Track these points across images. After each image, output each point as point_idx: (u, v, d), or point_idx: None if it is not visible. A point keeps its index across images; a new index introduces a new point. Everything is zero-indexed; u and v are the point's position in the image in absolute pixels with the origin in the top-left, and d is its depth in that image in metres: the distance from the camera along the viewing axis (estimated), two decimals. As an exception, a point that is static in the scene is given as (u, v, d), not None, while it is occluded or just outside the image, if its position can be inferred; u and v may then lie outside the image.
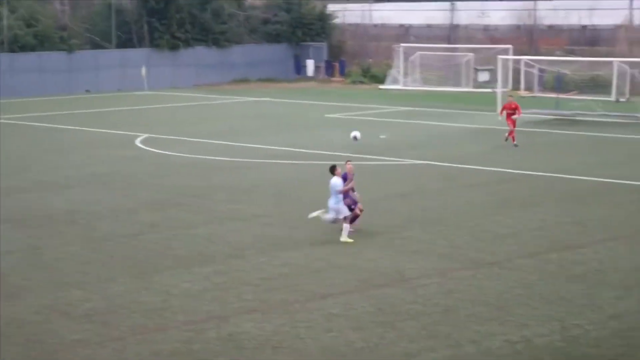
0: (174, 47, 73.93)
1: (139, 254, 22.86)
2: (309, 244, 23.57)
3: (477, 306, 18.48)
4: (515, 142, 39.92)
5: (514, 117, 40.32)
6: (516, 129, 40.47)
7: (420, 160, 36.78)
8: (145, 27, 73.62)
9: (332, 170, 24.33)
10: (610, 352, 15.98)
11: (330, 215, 24.16)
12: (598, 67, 58.76)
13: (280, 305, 18.67)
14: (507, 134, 40.34)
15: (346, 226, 24.02)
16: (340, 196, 24.15)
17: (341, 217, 24.12)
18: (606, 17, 77.64)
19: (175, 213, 27.48)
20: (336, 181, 24.21)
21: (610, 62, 55.18)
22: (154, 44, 73.43)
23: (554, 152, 39.05)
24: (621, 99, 54.09)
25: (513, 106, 40.77)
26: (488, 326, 17.28)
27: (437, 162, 36.26)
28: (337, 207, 24.18)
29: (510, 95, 44.28)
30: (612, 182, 31.82)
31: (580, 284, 19.91)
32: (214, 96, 66.84)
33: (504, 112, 41.12)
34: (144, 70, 70.71)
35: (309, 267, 21.48)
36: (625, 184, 31.45)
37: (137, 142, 42.68)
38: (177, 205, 28.57)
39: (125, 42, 74.40)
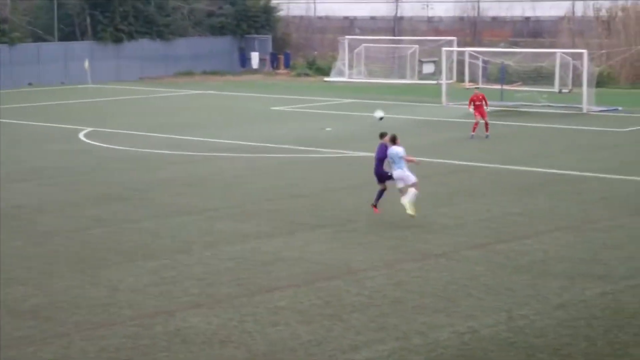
0: (117, 40, 73.39)
1: (84, 249, 22.65)
2: (256, 238, 23.51)
3: (425, 298, 18.53)
4: (487, 133, 40.24)
5: (485, 118, 40.40)
6: (460, 120, 40.64)
7: (366, 152, 36.80)
8: (88, 20, 72.99)
9: (393, 139, 25.00)
10: (555, 342, 16.10)
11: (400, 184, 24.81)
12: (541, 58, 59.26)
13: (227, 299, 18.60)
14: (473, 127, 40.41)
15: (414, 192, 24.29)
16: (404, 163, 24.75)
17: (410, 182, 24.55)
18: (549, 9, 78.35)
19: (120, 207, 27.27)
20: (397, 149, 24.88)
21: (554, 54, 55.66)
22: (97, 36, 72.84)
23: (499, 143, 39.30)
24: (564, 90, 54.56)
25: (480, 97, 40.96)
26: (435, 317, 17.33)
27: (383, 154, 36.28)
28: (403, 174, 24.69)
29: (477, 87, 44.60)
30: (556, 172, 32.09)
31: (526, 275, 20.04)
32: (158, 89, 66.45)
33: (472, 105, 41.15)
34: (87, 64, 70.11)
35: (255, 261, 21.41)
36: (568, 174, 31.72)
37: (81, 136, 42.30)
38: (122, 200, 28.35)
39: (68, 35, 73.72)
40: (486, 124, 40.34)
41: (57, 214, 26.47)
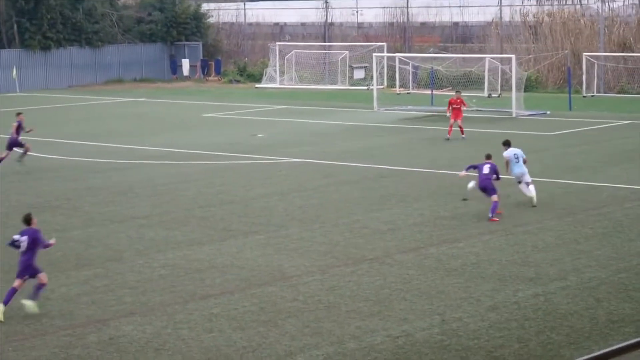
0: (45, 48, 72.61)
1: (13, 259, 22.33)
2: (188, 245, 23.41)
3: (358, 302, 18.59)
4: (463, 135, 41.07)
5: (460, 121, 41.16)
6: (391, 125, 40.84)
7: (298, 158, 36.87)
8: (15, 28, 72.12)
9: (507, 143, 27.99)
10: (488, 344, 16.25)
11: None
12: (470, 63, 59.90)
13: (161, 307, 18.49)
14: (449, 129, 41.23)
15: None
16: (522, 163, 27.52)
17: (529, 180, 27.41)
18: (477, 15, 79.07)
19: (50, 216, 26.97)
20: (515, 149, 27.78)
21: (482, 59, 56.23)
22: (25, 44, 72.00)
23: (429, 147, 39.57)
24: (493, 95, 55.24)
25: (458, 101, 41.78)
26: (369, 322, 17.40)
27: (315, 159, 36.40)
28: (523, 171, 27.47)
29: (458, 91, 45.15)
30: (486, 176, 32.34)
31: (458, 278, 20.20)
32: (88, 97, 65.87)
33: (450, 108, 41.74)
34: (14, 72, 69.27)
35: (188, 268, 21.32)
36: (499, 178, 32.00)
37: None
38: (52, 209, 28.05)
39: (-6, 43, 72.83)
40: (460, 127, 41.18)
41: (-14, 224, 26.10)
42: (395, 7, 78.37)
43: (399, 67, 59.84)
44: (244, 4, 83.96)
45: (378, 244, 23.27)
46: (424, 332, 16.85)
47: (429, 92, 56.54)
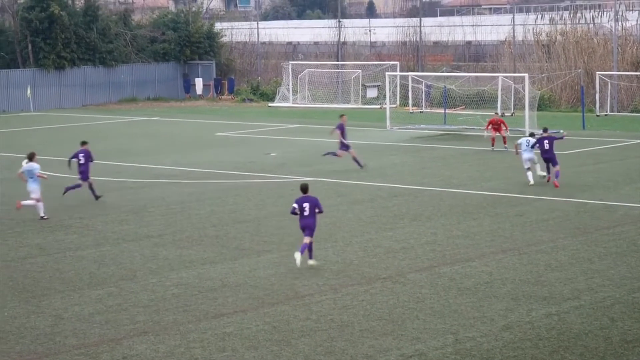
0: (59, 67, 72.88)
1: (27, 278, 22.41)
2: (201, 264, 23.42)
3: (371, 321, 18.56)
4: (506, 145, 43.14)
5: (502, 133, 43.18)
6: (404, 144, 40.75)
7: (311, 177, 36.87)
8: (30, 47, 72.45)
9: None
10: (502, 363, 16.19)
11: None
12: (483, 82, 59.88)
13: (174, 326, 18.50)
14: (492, 141, 43.72)
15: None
16: None
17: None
18: (490, 34, 79.21)
19: (63, 235, 27.04)
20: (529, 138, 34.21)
21: (495, 78, 56.22)
22: (39, 64, 72.29)
23: (443, 166, 39.55)
24: (506, 114, 55.10)
25: (499, 121, 44.01)
26: (382, 341, 17.37)
27: (328, 178, 36.42)
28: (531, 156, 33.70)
29: (496, 113, 46.14)
30: (498, 195, 32.36)
31: (471, 297, 20.16)
32: (102, 116, 66.07)
33: (490, 127, 44.12)
34: (29, 91, 69.55)
35: (201, 287, 21.33)
36: (511, 196, 32.00)
37: (24, 163, 41.81)
38: (65, 227, 28.11)
39: (9, 63, 73.12)
40: (503, 137, 43.36)
41: None
42: (408, 26, 78.51)
43: (412, 86, 59.88)
44: (257, 23, 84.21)
45: (391, 262, 23.24)
46: (437, 351, 16.81)
47: (441, 111, 56.52)
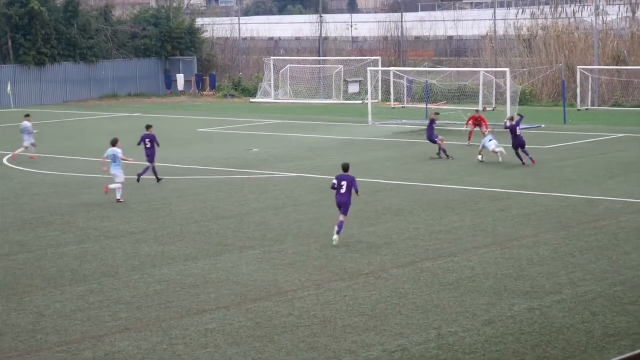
0: (40, 63, 72.59)
1: (8, 275, 22.32)
2: (183, 260, 23.38)
3: (354, 317, 18.57)
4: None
5: (482, 130, 42.32)
6: (386, 139, 40.77)
7: (293, 172, 36.87)
8: (9, 43, 72.13)
9: None
10: (484, 358, 16.23)
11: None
12: (465, 77, 59.97)
13: (156, 323, 18.46)
14: (469, 136, 43.90)
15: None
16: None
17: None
18: (471, 28, 79.31)
19: (44, 232, 26.94)
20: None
21: (477, 72, 56.30)
22: (19, 59, 71.96)
23: (424, 161, 39.57)
24: (488, 108, 55.18)
25: (480, 118, 43.62)
26: (365, 336, 17.37)
27: (310, 174, 36.40)
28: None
29: (477, 110, 45.84)
30: (479, 189, 32.41)
31: (454, 292, 20.19)
32: (83, 112, 65.84)
33: (470, 122, 43.97)
34: (9, 87, 69.26)
35: (183, 283, 21.29)
36: (493, 191, 32.06)
37: (4, 160, 41.75)
38: (46, 224, 28.01)
39: (-12, 59, 72.83)
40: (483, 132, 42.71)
41: (-19, 239, 26.05)
42: (390, 21, 78.50)
43: (394, 81, 59.90)
44: (239, 19, 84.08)
45: (374, 258, 23.25)
46: (419, 346, 16.82)
47: (423, 105, 56.54)
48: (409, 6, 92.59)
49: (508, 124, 38.43)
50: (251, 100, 71.08)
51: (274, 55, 77.06)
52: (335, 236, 24.49)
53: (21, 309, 19.51)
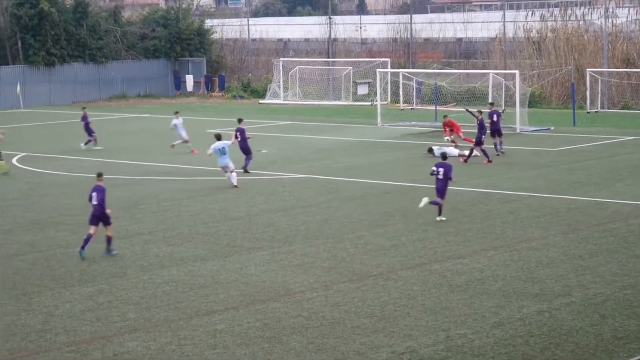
0: (49, 64, 72.71)
1: (18, 275, 22.36)
2: (192, 261, 23.39)
3: (363, 318, 18.56)
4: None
5: (456, 135, 42.66)
6: (395, 141, 40.73)
7: (302, 174, 36.87)
8: (19, 44, 72.26)
9: None
10: (493, 360, 16.20)
11: None
12: (474, 79, 59.92)
13: (165, 323, 18.47)
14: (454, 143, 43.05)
15: None
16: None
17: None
18: (481, 30, 79.26)
19: (54, 232, 26.98)
20: None
21: (486, 74, 56.23)
22: (29, 60, 72.09)
23: (433, 163, 39.43)
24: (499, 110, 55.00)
25: (450, 122, 43.32)
26: (374, 338, 17.36)
27: (319, 175, 36.40)
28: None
29: (445, 115, 45.58)
30: (489, 192, 32.38)
31: (463, 294, 20.17)
32: (92, 113, 65.58)
33: (447, 130, 43.34)
34: (19, 88, 69.37)
35: (192, 284, 21.30)
36: (501, 193, 32.02)
37: (14, 161, 41.82)
38: (55, 225, 28.05)
39: (-2, 59, 72.98)
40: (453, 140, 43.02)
41: (-10, 240, 26.10)
42: (399, 23, 78.47)
43: (403, 83, 59.89)
44: (248, 20, 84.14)
45: (382, 260, 23.24)
46: (428, 348, 16.81)
47: (432, 107, 56.54)
48: (419, 8, 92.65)
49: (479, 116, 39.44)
50: (260, 101, 71.08)
51: (283, 57, 77.07)
52: (426, 198, 27.65)
53: (30, 309, 19.54)
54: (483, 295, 20.01)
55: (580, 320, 18.25)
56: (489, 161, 38.54)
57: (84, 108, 48.24)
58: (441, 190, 27.66)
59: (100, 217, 24.10)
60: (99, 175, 24.80)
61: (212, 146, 34.25)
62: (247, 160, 37.25)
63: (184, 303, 19.81)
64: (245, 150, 37.45)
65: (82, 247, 23.81)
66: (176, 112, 45.77)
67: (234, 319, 18.66)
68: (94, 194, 24.22)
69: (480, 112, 39.80)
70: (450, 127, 42.97)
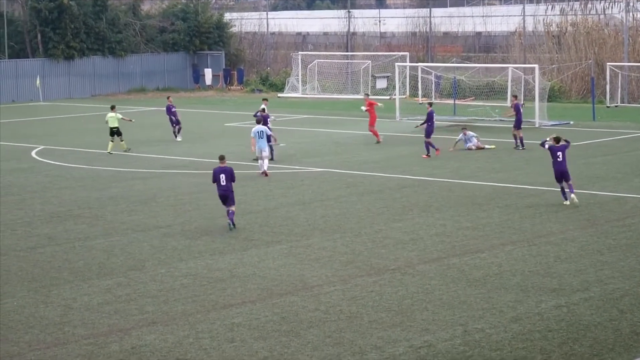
0: (69, 57, 72.95)
1: (37, 268, 22.44)
2: (210, 254, 23.42)
3: (380, 312, 18.54)
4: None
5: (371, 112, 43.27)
6: (414, 135, 40.73)
7: (320, 167, 36.86)
8: (39, 37, 72.50)
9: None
10: (511, 355, 16.17)
11: None
12: (493, 73, 59.74)
13: (182, 317, 18.50)
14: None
15: None
16: None
17: None
18: (500, 24, 78.96)
19: (72, 225, 27.06)
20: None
21: (505, 69, 56.08)
22: (49, 53, 72.35)
23: (452, 157, 39.45)
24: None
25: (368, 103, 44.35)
26: (391, 332, 17.35)
27: (337, 169, 36.39)
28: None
29: (366, 94, 45.92)
30: (507, 186, 32.29)
31: (481, 288, 20.13)
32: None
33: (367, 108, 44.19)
34: (38, 81, 69.60)
35: (210, 278, 21.33)
36: (520, 188, 31.93)
37: (33, 153, 41.98)
38: (74, 217, 28.14)
39: (18, 53, 73.20)
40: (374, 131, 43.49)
41: (9, 232, 26.21)
42: (418, 17, 78.33)
43: (422, 77, 59.78)
44: (267, 14, 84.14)
45: (400, 254, 23.21)
46: (446, 342, 16.78)
47: (451, 101, 56.43)
48: (438, 2, 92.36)
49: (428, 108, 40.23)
50: (279, 95, 71.10)
51: (302, 51, 77.05)
52: (572, 196, 28.47)
53: (49, 302, 19.61)
54: (501, 290, 19.96)
55: (599, 316, 18.19)
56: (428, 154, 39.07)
57: (168, 97, 48.83)
58: (565, 173, 28.64)
59: (227, 197, 26.09)
60: (222, 158, 26.78)
61: (253, 131, 35.71)
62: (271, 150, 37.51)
63: (201, 296, 19.84)
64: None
65: (231, 222, 26.07)
66: (264, 99, 44.87)
67: (251, 312, 18.67)
68: (222, 176, 26.09)
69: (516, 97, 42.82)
70: (369, 106, 43.86)
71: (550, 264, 22.03)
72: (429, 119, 39.60)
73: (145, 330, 17.71)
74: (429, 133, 39.32)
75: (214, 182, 26.48)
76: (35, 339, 17.29)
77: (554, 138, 29.05)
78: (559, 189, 29.17)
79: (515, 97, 44.49)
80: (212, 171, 26.74)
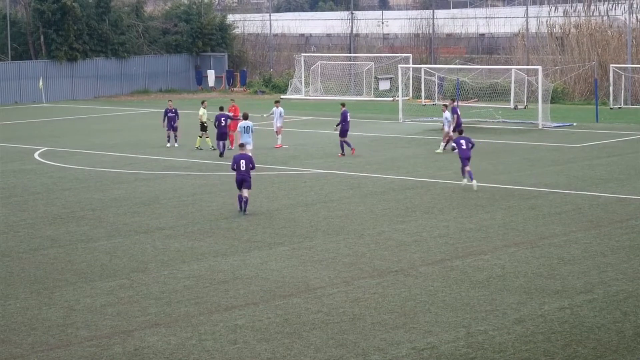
0: (72, 59, 72.98)
1: (39, 270, 22.43)
2: (212, 256, 23.41)
3: (383, 314, 18.52)
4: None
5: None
6: (416, 136, 40.71)
7: (323, 169, 36.84)
8: (42, 39, 72.54)
9: None
10: (514, 357, 16.14)
11: None
12: (496, 74, 59.75)
13: (185, 318, 18.48)
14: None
15: None
16: None
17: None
18: (503, 26, 78.99)
19: (75, 227, 27.05)
20: None
21: (508, 70, 56.07)
22: (51, 55, 72.38)
23: (455, 159, 39.37)
24: (519, 106, 55.01)
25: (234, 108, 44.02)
26: (394, 334, 17.32)
27: (340, 171, 36.37)
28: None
29: (232, 99, 45.90)
30: (511, 188, 32.26)
31: (484, 290, 20.10)
32: (114, 108, 66.10)
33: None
34: (41, 82, 69.65)
35: (212, 279, 21.31)
36: (523, 189, 31.90)
37: (36, 155, 41.99)
38: (77, 219, 28.13)
39: (21, 54, 73.24)
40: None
41: (12, 234, 26.20)
42: (421, 19, 78.34)
43: (425, 79, 59.78)
44: (270, 15, 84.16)
45: (403, 255, 23.19)
46: (449, 344, 16.76)
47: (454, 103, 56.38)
48: (441, 3, 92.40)
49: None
50: (282, 96, 71.08)
51: (305, 52, 77.06)
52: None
53: (52, 304, 19.60)
54: (504, 292, 19.93)
55: (602, 318, 18.15)
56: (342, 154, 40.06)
57: (169, 101, 48.85)
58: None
59: (243, 182, 28.11)
60: (242, 145, 29.75)
61: (238, 126, 37.85)
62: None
63: (204, 298, 19.82)
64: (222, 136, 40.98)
65: (241, 209, 28.17)
66: (276, 102, 46.08)
67: (254, 314, 18.66)
68: (242, 161, 28.07)
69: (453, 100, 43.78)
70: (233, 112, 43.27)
71: (554, 266, 22.01)
72: (344, 118, 40.61)
73: (148, 332, 17.69)
74: (344, 132, 40.41)
75: (233, 168, 28.32)
76: (38, 341, 17.27)
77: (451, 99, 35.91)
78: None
79: (453, 100, 45.59)
80: (231, 159, 28.79)
